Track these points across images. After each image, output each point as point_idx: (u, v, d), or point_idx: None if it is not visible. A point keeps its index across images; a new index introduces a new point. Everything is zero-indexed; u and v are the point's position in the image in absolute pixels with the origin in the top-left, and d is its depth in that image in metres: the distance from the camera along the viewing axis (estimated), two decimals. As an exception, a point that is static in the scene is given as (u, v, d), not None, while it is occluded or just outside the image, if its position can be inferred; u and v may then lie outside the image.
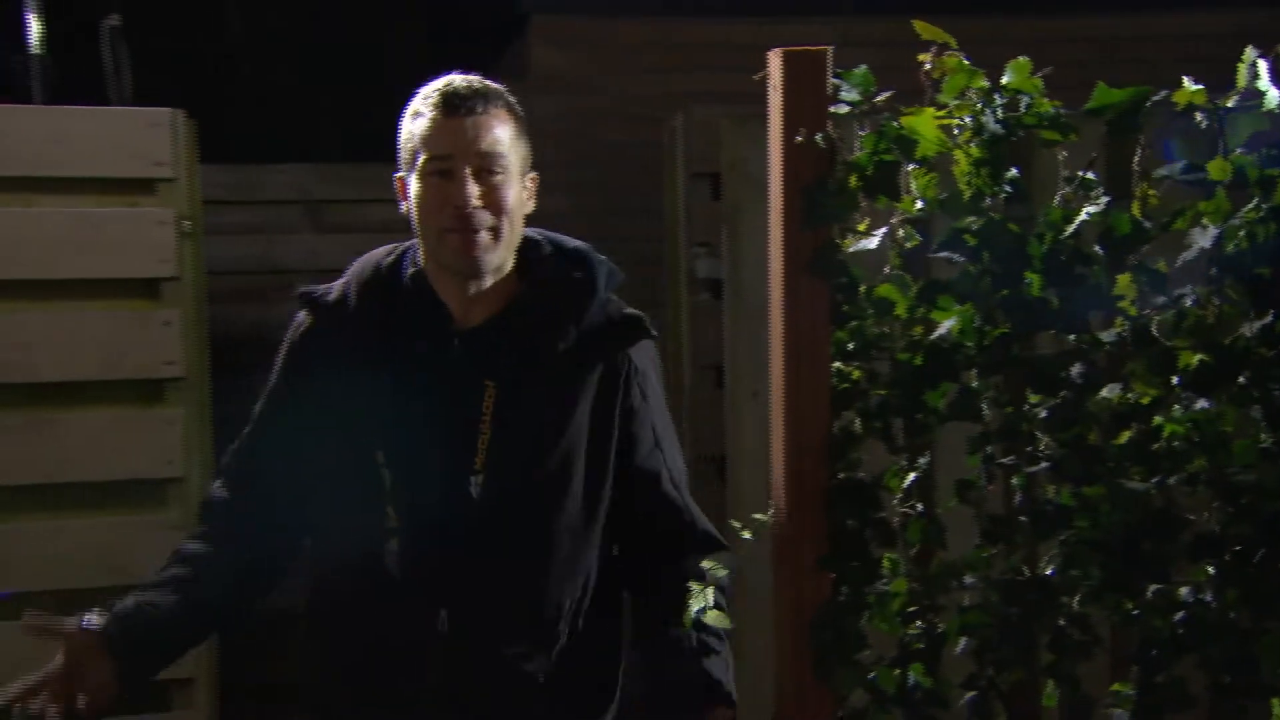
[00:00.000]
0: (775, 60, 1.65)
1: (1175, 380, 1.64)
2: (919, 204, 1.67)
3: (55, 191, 2.42)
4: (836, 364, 1.69)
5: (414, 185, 1.52)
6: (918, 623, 1.70)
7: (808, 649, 1.67)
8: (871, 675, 1.68)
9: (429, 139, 1.51)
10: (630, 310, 1.64)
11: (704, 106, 3.08)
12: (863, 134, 1.65)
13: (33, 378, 2.40)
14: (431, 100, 1.52)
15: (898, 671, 1.69)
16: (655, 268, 3.34)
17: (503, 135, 1.52)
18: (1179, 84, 1.61)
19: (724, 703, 1.61)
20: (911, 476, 1.69)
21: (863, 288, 1.68)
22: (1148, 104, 1.63)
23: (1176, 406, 1.65)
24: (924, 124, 1.61)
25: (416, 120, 1.53)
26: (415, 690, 1.50)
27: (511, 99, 1.57)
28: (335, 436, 1.53)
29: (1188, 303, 1.63)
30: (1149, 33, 4.09)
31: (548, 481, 1.53)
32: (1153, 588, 1.65)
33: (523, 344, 1.54)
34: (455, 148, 1.49)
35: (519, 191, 1.53)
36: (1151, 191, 1.63)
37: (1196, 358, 1.63)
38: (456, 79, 1.55)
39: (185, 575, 1.55)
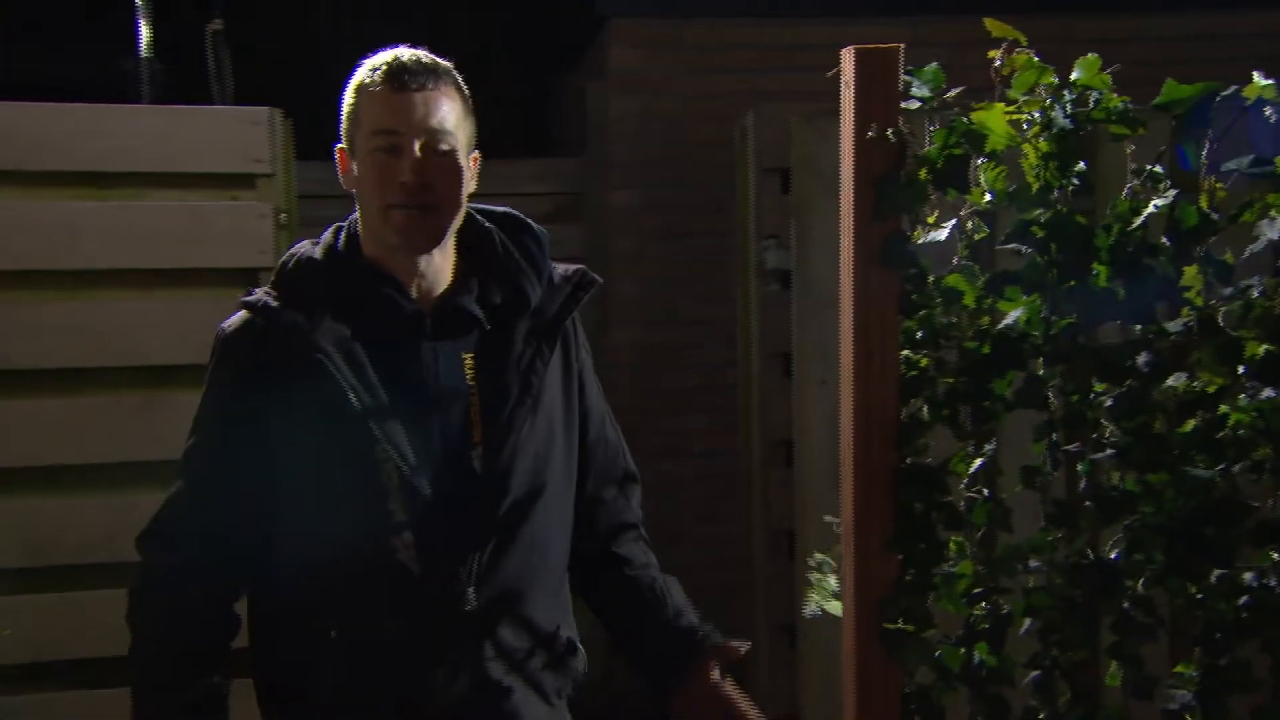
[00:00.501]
0: (848, 58, 1.70)
1: (1241, 370, 1.67)
2: (988, 197, 1.71)
3: (164, 186, 2.55)
4: (905, 352, 1.74)
5: (359, 160, 1.47)
6: (983, 604, 1.74)
7: (876, 626, 1.72)
8: (937, 653, 1.73)
9: (377, 113, 1.44)
10: (572, 265, 1.61)
11: (775, 104, 3.13)
12: (933, 129, 1.70)
13: (146, 361, 2.54)
14: (380, 73, 1.45)
15: (963, 650, 1.74)
16: (726, 260, 3.40)
17: (451, 113, 1.46)
18: (1248, 80, 1.64)
19: (713, 652, 1.60)
20: (978, 462, 1.73)
21: (931, 278, 1.73)
22: (1217, 99, 1.66)
23: (1242, 395, 1.67)
24: (994, 119, 1.65)
25: (363, 93, 1.46)
26: (454, 671, 1.47)
27: (459, 76, 1.50)
28: (320, 442, 1.45)
29: (1254, 294, 1.66)
30: (1216, 31, 4.04)
31: (538, 443, 1.52)
32: (1216, 572, 1.68)
33: (491, 312, 1.52)
34: (404, 123, 1.43)
35: (465, 169, 1.48)
36: (1219, 185, 1.66)
37: (1263, 347, 1.65)
38: (404, 52, 1.47)
39: (214, 637, 1.52)
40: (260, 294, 1.50)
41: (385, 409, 1.45)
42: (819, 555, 1.84)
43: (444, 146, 1.45)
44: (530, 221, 1.59)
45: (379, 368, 1.46)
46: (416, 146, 1.44)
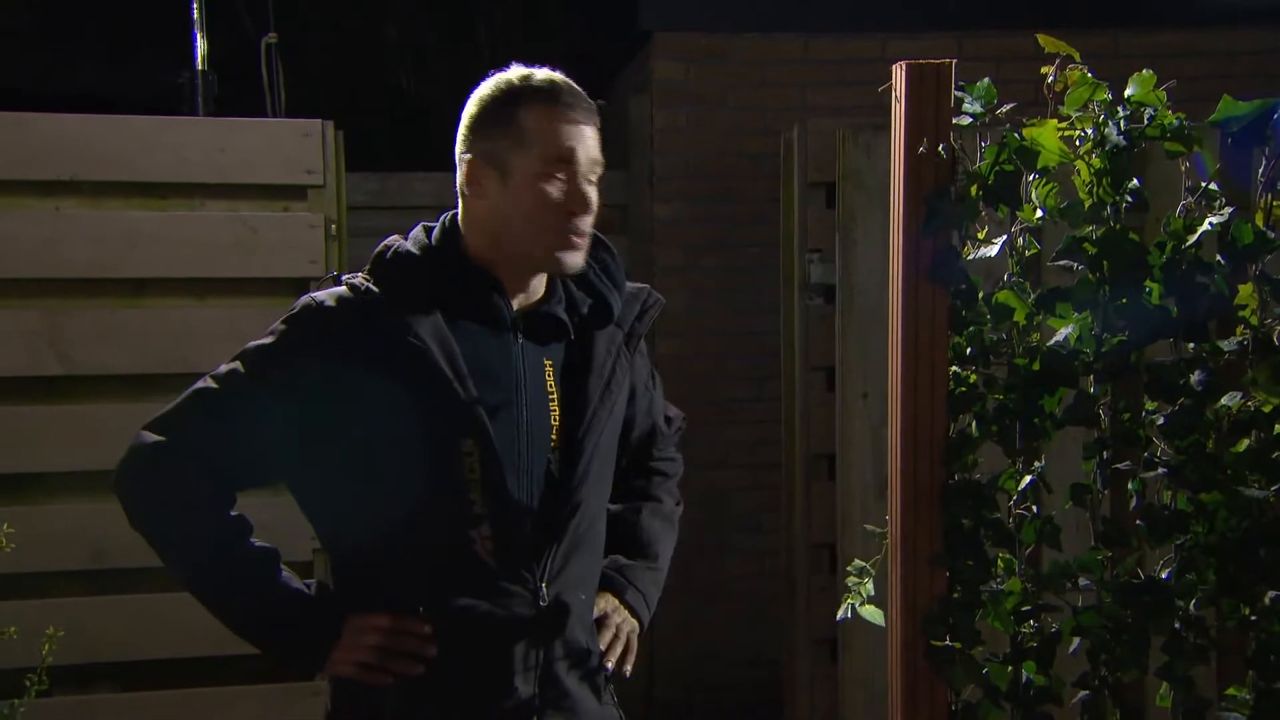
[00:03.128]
0: (899, 73, 1.71)
1: (1297, 389, 1.65)
2: (1039, 213, 1.71)
3: (219, 197, 2.61)
4: (953, 368, 1.74)
5: (521, 179, 1.49)
6: (1031, 622, 1.73)
7: (922, 642, 1.72)
8: (985, 671, 1.72)
9: (556, 140, 1.48)
10: (636, 284, 1.66)
11: (820, 119, 3.14)
12: (984, 145, 1.70)
13: (199, 368, 2.57)
14: (556, 97, 1.49)
15: (1010, 668, 1.73)
16: (771, 272, 3.41)
17: (599, 144, 1.53)
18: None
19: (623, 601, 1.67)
20: (1027, 479, 1.73)
21: (981, 294, 1.73)
22: (1275, 116, 1.64)
23: (1298, 415, 1.65)
24: (1046, 135, 1.65)
25: (534, 114, 1.48)
26: (527, 667, 1.51)
27: None
28: (409, 430, 1.46)
29: (1312, 312, 1.64)
30: (1267, 46, 4.00)
31: (605, 451, 1.58)
32: (1271, 594, 1.66)
33: (574, 320, 1.57)
34: (580, 153, 1.49)
35: None
36: (1276, 202, 1.65)
37: (1320, 367, 1.63)
38: (558, 77, 1.51)
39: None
40: (360, 279, 1.50)
41: (475, 404, 1.47)
42: (859, 562, 1.84)
43: (596, 179, 1.52)
44: (604, 238, 1.64)
45: (471, 364, 1.49)
46: (587, 177, 1.50)
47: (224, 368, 1.53)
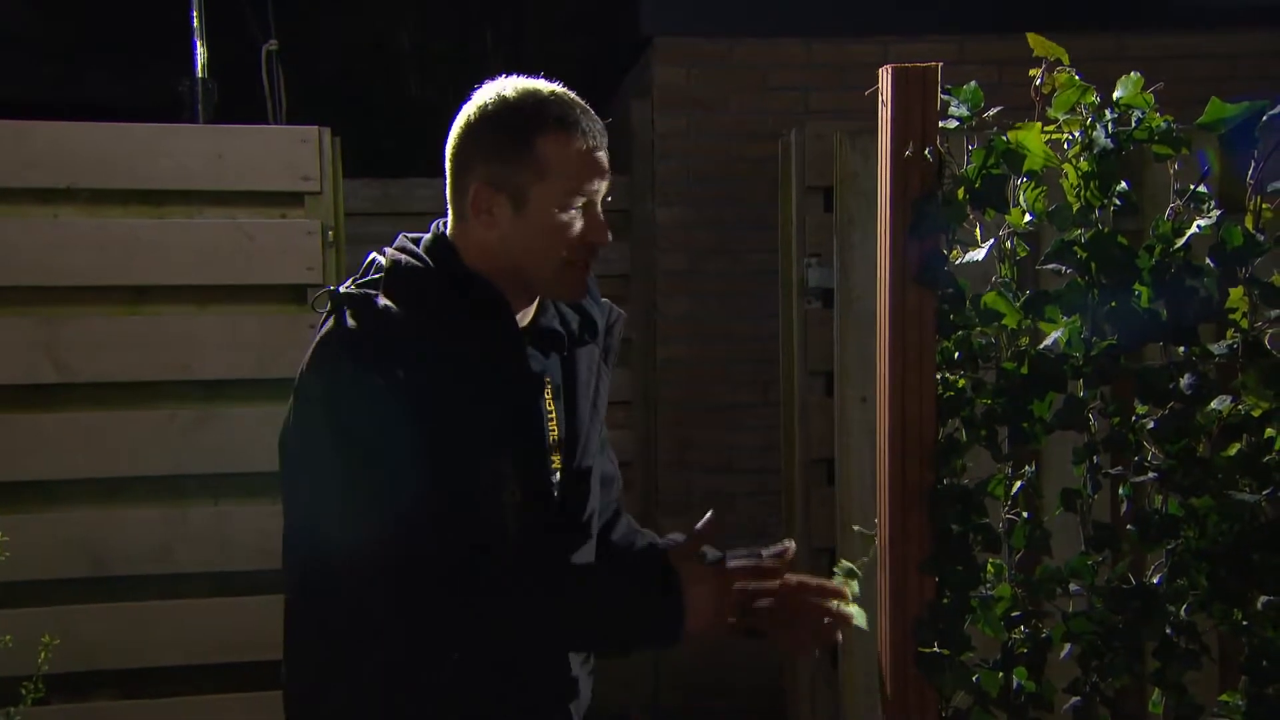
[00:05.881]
0: (886, 77, 1.70)
1: (1288, 393, 1.63)
2: (1027, 217, 1.70)
3: (217, 204, 2.62)
4: (943, 373, 1.73)
5: (544, 209, 1.43)
6: (1022, 628, 1.72)
7: (912, 648, 1.71)
8: (975, 677, 1.71)
9: (580, 171, 1.43)
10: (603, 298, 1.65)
11: (819, 122, 3.14)
12: (972, 148, 1.69)
13: (198, 375, 2.60)
14: (575, 124, 1.43)
15: (1001, 675, 1.72)
16: (774, 277, 3.40)
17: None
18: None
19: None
20: (1018, 484, 1.72)
21: (969, 297, 1.72)
22: (1264, 118, 1.63)
23: (1289, 419, 1.64)
24: (1032, 139, 1.64)
25: (557, 142, 1.42)
26: (556, 695, 1.54)
27: None
28: (453, 454, 1.40)
29: (1302, 315, 1.63)
30: (1269, 49, 3.97)
31: (591, 464, 1.56)
32: (1263, 598, 1.64)
33: (567, 339, 1.55)
34: (601, 184, 1.46)
35: None
36: (1266, 205, 1.63)
37: (1311, 370, 1.62)
38: (568, 97, 1.46)
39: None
40: (382, 302, 1.41)
41: (511, 431, 1.45)
42: (845, 563, 1.82)
43: (603, 203, 1.50)
44: None
45: (504, 390, 1.45)
46: (600, 206, 1.47)
47: (357, 464, 1.37)
